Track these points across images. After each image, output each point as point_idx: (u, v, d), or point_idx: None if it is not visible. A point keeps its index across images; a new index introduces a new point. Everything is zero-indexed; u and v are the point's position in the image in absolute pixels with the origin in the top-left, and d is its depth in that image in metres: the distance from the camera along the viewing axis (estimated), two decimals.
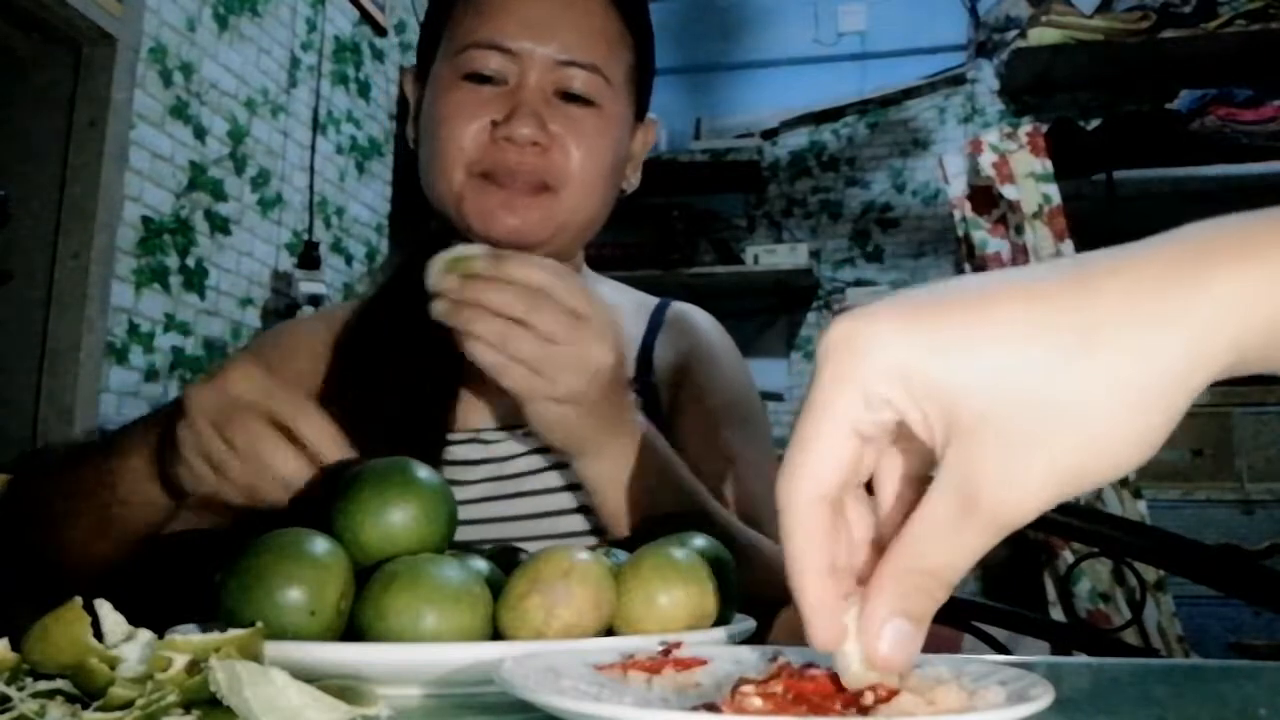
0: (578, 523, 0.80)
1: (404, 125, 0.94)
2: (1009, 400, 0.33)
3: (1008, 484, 0.34)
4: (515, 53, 0.82)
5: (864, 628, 0.36)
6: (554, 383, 0.66)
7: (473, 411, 0.86)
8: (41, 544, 0.75)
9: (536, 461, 0.82)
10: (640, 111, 0.93)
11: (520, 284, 0.65)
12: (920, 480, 0.38)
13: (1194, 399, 0.33)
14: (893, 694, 0.36)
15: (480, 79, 0.83)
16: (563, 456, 0.75)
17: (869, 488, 0.40)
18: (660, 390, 0.91)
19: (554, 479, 0.81)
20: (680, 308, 1.00)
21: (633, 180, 0.94)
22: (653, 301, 1.00)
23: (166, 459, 0.67)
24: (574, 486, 0.81)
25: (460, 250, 0.69)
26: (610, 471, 0.72)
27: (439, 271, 0.68)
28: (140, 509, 0.71)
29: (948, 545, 0.35)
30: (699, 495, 0.77)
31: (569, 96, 0.84)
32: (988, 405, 0.33)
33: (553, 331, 0.65)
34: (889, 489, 0.39)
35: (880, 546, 0.38)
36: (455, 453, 0.83)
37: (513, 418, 0.85)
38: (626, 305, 0.97)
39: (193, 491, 0.67)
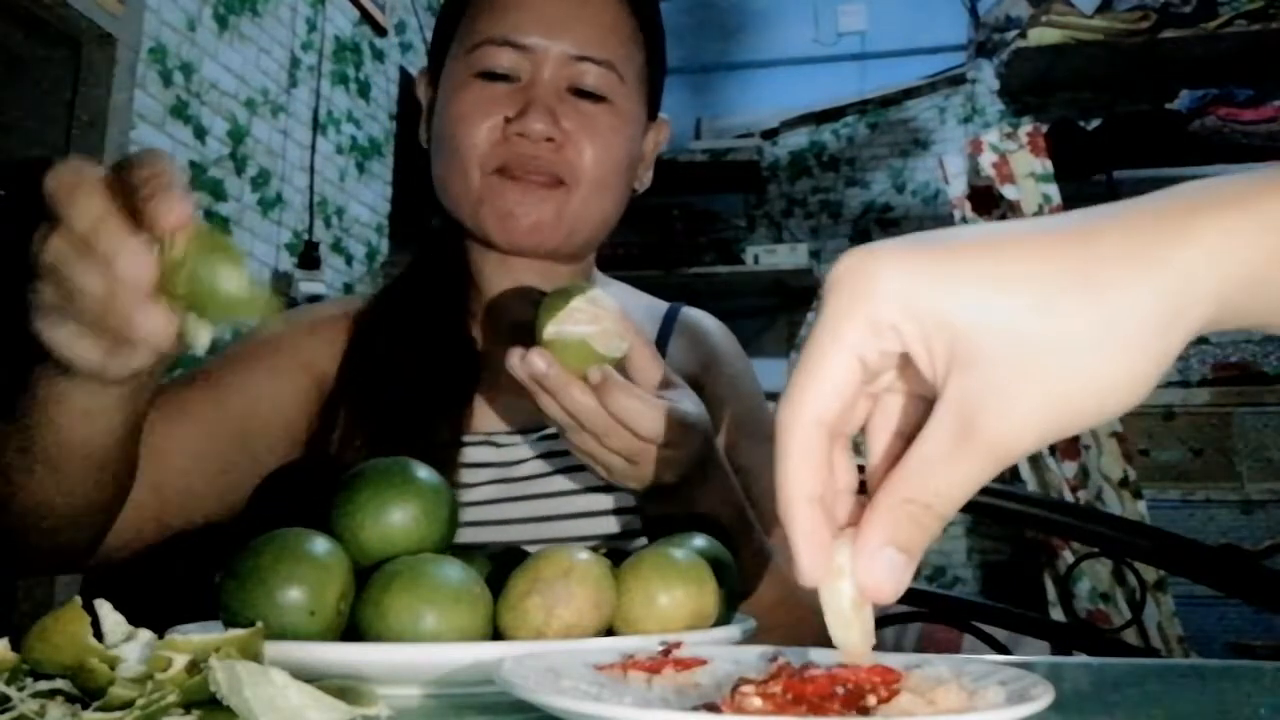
0: (588, 526, 0.80)
1: (404, 126, 0.94)
2: (1007, 334, 0.34)
3: (1003, 414, 0.35)
4: (529, 48, 0.82)
5: (857, 555, 0.36)
6: (641, 473, 0.65)
7: (486, 414, 0.86)
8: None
9: (547, 465, 0.82)
10: (652, 111, 0.93)
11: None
12: (911, 436, 0.39)
13: (1180, 346, 0.35)
14: (893, 694, 0.36)
15: (493, 76, 0.83)
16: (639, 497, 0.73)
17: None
18: None
19: (564, 483, 0.81)
20: (692, 314, 1.00)
21: (644, 179, 0.94)
22: (663, 306, 1.00)
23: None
24: (585, 491, 0.81)
25: (570, 328, 0.64)
26: (682, 508, 0.71)
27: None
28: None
29: (944, 474, 0.36)
30: (759, 533, 0.77)
31: (582, 93, 0.84)
32: (987, 338, 0.35)
33: (623, 450, 0.64)
34: (880, 441, 0.40)
35: (864, 500, 0.39)
36: (467, 455, 0.82)
37: (525, 421, 0.85)
38: (638, 310, 0.97)
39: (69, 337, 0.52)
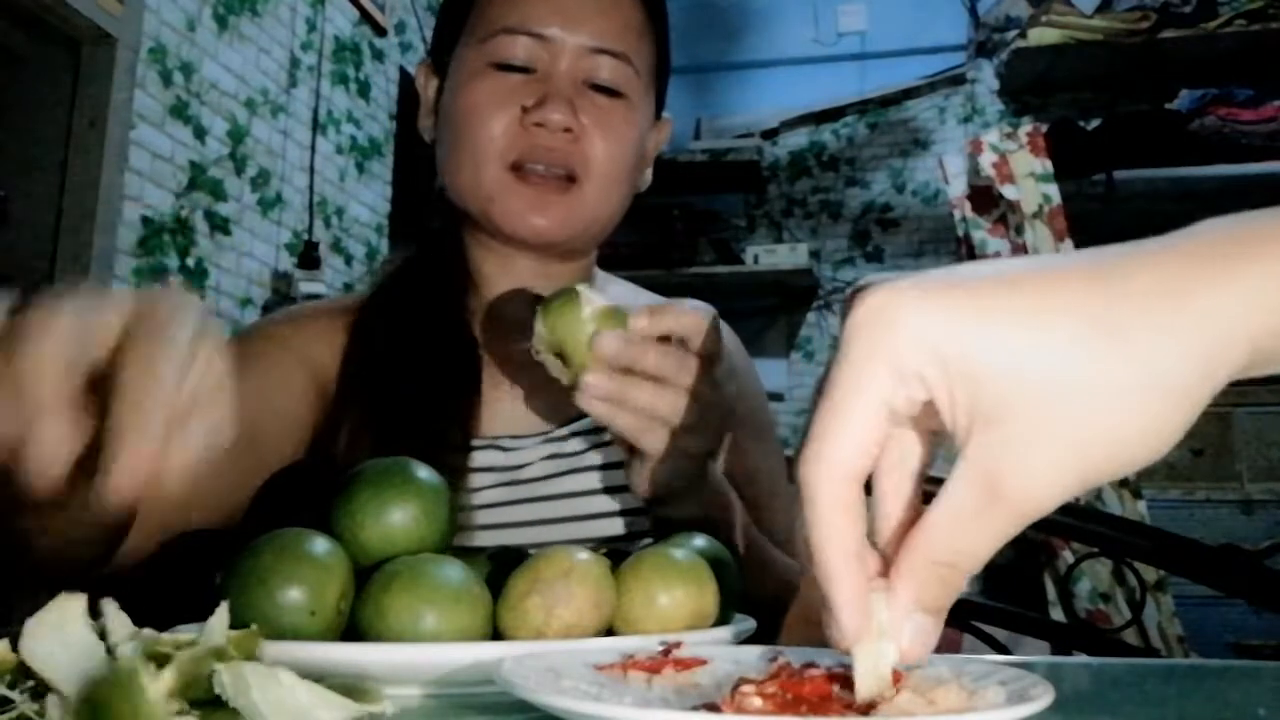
0: (596, 528, 0.80)
1: (404, 126, 0.93)
2: (1034, 386, 0.33)
3: (1030, 473, 0.34)
4: (547, 38, 0.82)
5: (891, 610, 0.36)
6: (696, 440, 0.64)
7: (493, 417, 0.85)
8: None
9: (553, 467, 0.82)
10: (658, 109, 0.93)
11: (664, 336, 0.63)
12: (920, 476, 0.38)
13: (1211, 395, 0.34)
14: (892, 694, 0.36)
15: (509, 67, 0.82)
16: (640, 498, 0.71)
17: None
18: None
19: (572, 485, 0.81)
20: (694, 306, 1.00)
21: (646, 178, 0.94)
22: (660, 301, 1.00)
23: None
24: (592, 493, 0.80)
25: (589, 308, 0.64)
26: (694, 514, 0.71)
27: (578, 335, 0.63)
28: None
29: (969, 535, 0.35)
30: (758, 536, 0.77)
31: (597, 87, 0.84)
32: (1014, 390, 0.33)
33: (696, 385, 0.63)
34: (890, 481, 0.39)
35: (871, 542, 0.38)
36: (474, 459, 0.82)
37: (530, 424, 0.85)
38: (635, 305, 0.97)
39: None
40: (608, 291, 0.96)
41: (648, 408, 0.62)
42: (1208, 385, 0.33)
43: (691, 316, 0.64)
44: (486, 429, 0.85)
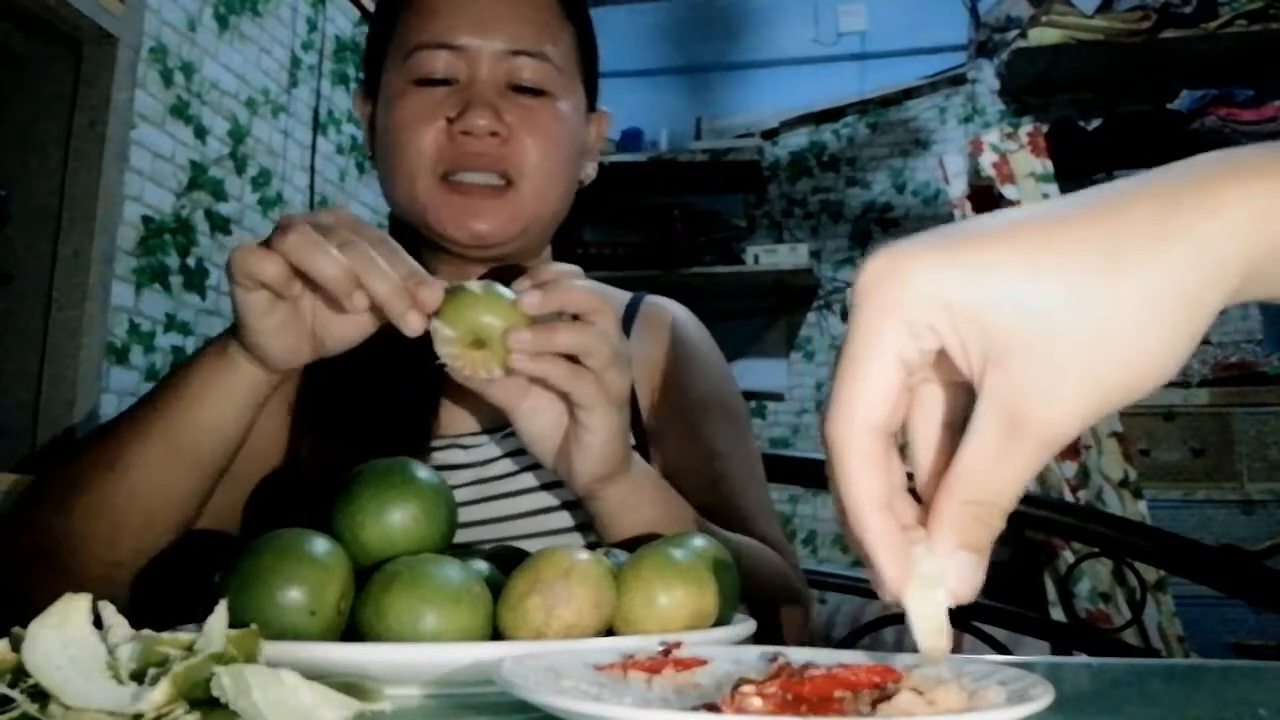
0: (560, 520, 0.80)
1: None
2: (1042, 321, 0.35)
3: (1050, 401, 0.35)
4: (463, 48, 0.83)
5: (933, 552, 0.37)
6: (615, 379, 0.65)
7: (451, 417, 0.86)
8: (57, 547, 0.71)
9: (514, 463, 0.83)
10: (590, 102, 0.93)
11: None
12: (953, 426, 0.39)
13: (1212, 317, 0.35)
14: (892, 694, 0.36)
15: (431, 82, 0.84)
16: (588, 494, 0.71)
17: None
18: (636, 387, 0.90)
19: (531, 479, 0.82)
20: (654, 301, 1.00)
21: (589, 171, 0.94)
22: (626, 297, 1.00)
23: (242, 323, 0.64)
24: (551, 485, 0.81)
25: (473, 294, 0.64)
26: (626, 498, 0.71)
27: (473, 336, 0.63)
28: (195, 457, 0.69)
29: (999, 471, 0.36)
30: (692, 516, 0.77)
31: (520, 89, 0.85)
32: (1023, 328, 0.35)
33: (606, 331, 0.65)
34: (923, 434, 0.40)
35: (916, 496, 0.39)
36: (437, 458, 0.83)
37: (489, 421, 0.85)
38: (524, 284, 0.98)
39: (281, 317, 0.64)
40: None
41: (578, 345, 0.63)
42: (1204, 308, 0.35)
43: (584, 296, 0.64)
44: (446, 428, 0.85)
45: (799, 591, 0.86)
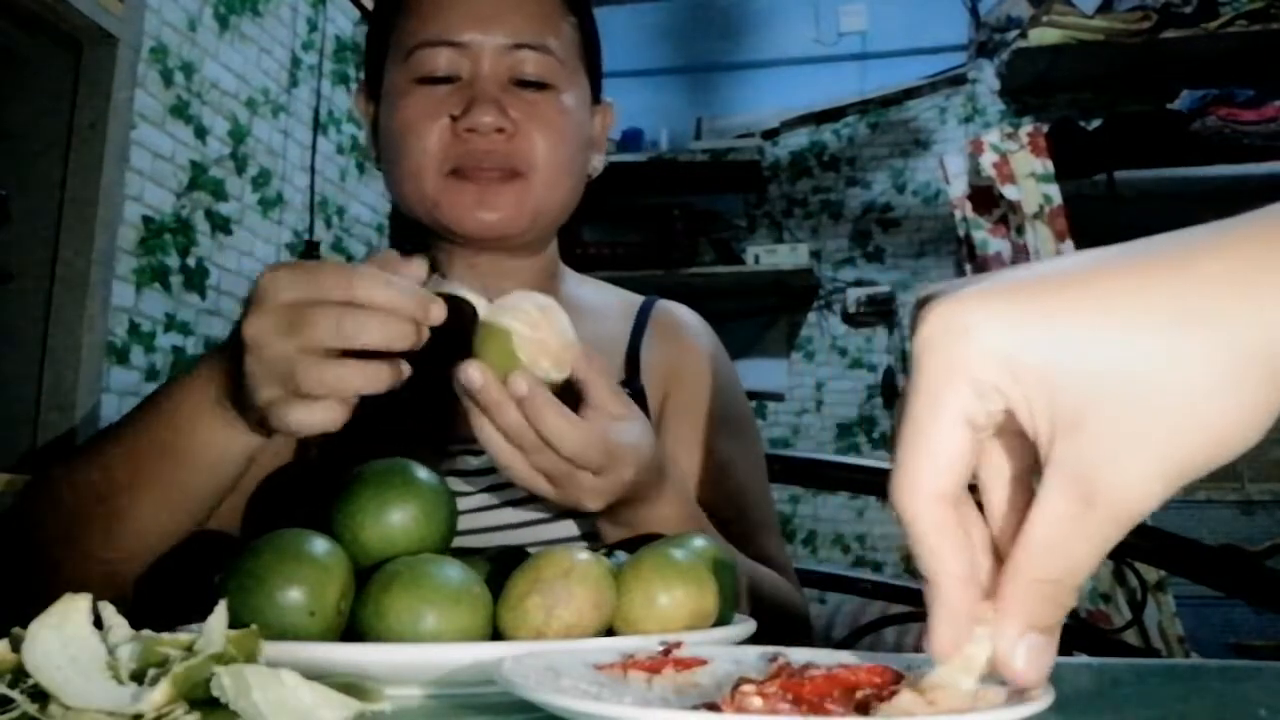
0: (572, 528, 0.80)
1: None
2: (1114, 387, 0.32)
3: (1122, 475, 0.32)
4: (465, 44, 0.83)
5: (997, 643, 0.35)
6: (578, 496, 0.64)
7: (463, 423, 0.85)
8: (52, 555, 0.70)
9: None
10: (595, 94, 0.93)
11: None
12: (1024, 479, 0.37)
13: None
14: (892, 694, 0.36)
15: (434, 80, 0.83)
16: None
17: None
18: (648, 392, 0.90)
19: (539, 510, 0.80)
20: (667, 306, 0.99)
21: (597, 164, 0.94)
22: (638, 300, 0.99)
23: (244, 384, 0.60)
24: (564, 516, 0.80)
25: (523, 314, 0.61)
26: (630, 529, 0.70)
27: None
28: (196, 480, 0.66)
29: (1071, 547, 0.34)
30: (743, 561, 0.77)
31: (524, 83, 0.84)
32: (1095, 389, 0.32)
33: (552, 471, 0.62)
34: (996, 491, 0.38)
35: (996, 553, 0.37)
36: (449, 465, 0.82)
37: None
38: (611, 306, 0.96)
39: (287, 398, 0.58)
40: (578, 292, 0.96)
41: (516, 469, 0.62)
42: None
43: (572, 440, 0.61)
44: (463, 431, 0.84)
45: (806, 618, 0.86)
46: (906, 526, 0.35)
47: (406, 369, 0.60)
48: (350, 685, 0.37)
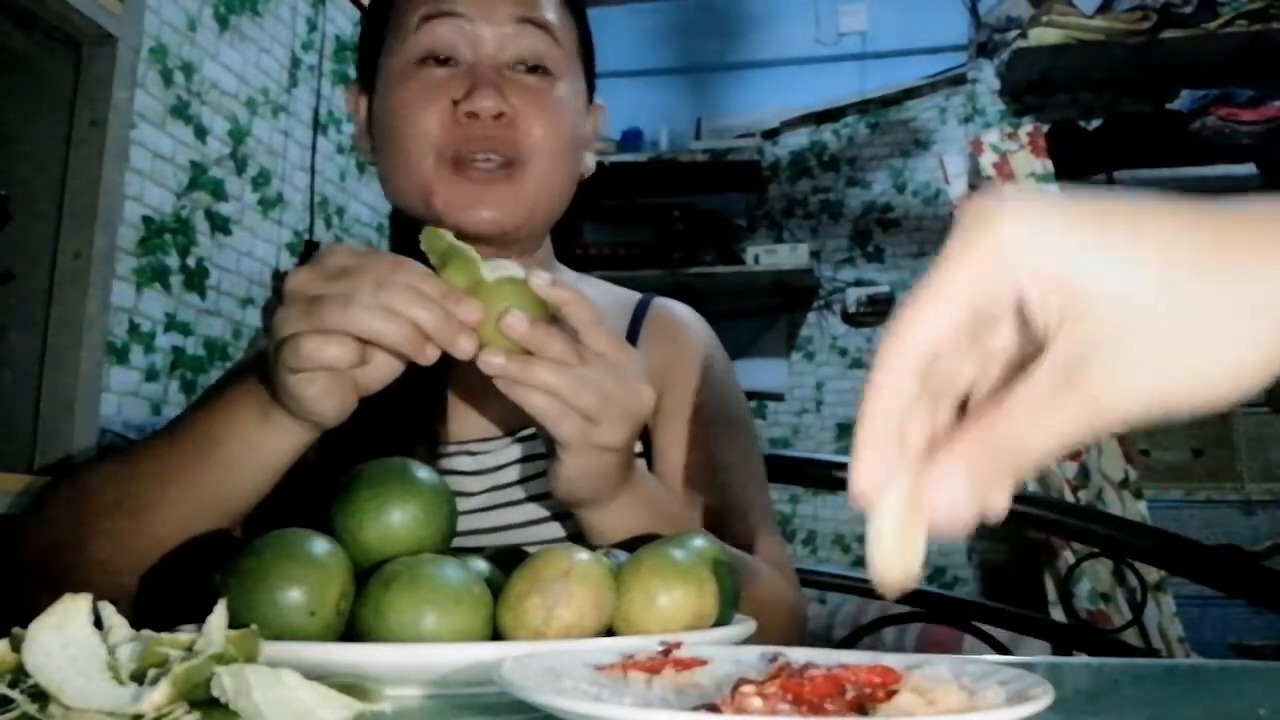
0: (573, 527, 0.79)
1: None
2: (1124, 307, 0.34)
3: (1109, 376, 0.34)
4: (468, 17, 0.82)
5: (930, 473, 0.36)
6: (606, 431, 0.63)
7: (460, 422, 0.84)
8: (62, 558, 0.69)
9: (525, 469, 0.81)
10: (589, 94, 0.93)
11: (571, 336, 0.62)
12: (1015, 374, 0.38)
13: None
14: (892, 694, 0.36)
15: (434, 62, 0.82)
16: (570, 507, 0.71)
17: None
18: None
19: (544, 485, 0.79)
20: (664, 304, 0.98)
21: (589, 164, 0.93)
22: (635, 297, 0.99)
23: (278, 382, 0.61)
24: (560, 517, 0.80)
25: (499, 271, 0.62)
26: (618, 519, 0.70)
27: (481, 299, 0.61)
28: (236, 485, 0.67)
29: (1036, 419, 0.35)
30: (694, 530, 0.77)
31: (524, 69, 0.84)
32: (1103, 304, 0.34)
33: (602, 380, 0.62)
34: (985, 382, 0.40)
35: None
36: (447, 465, 0.82)
37: (500, 426, 0.84)
38: (607, 303, 0.96)
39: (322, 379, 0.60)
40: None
41: (553, 387, 0.61)
42: None
43: (619, 347, 0.63)
44: (455, 434, 0.83)
45: (803, 615, 0.86)
46: (874, 375, 0.37)
47: (434, 354, 0.60)
48: (350, 685, 0.37)
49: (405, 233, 0.87)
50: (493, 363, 0.60)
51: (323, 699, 0.35)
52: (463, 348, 0.59)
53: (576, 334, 0.63)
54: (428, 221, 0.84)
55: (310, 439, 0.67)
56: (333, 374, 0.61)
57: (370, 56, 0.90)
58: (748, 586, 0.79)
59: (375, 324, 0.58)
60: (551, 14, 0.85)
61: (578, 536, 0.79)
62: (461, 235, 0.83)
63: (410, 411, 0.81)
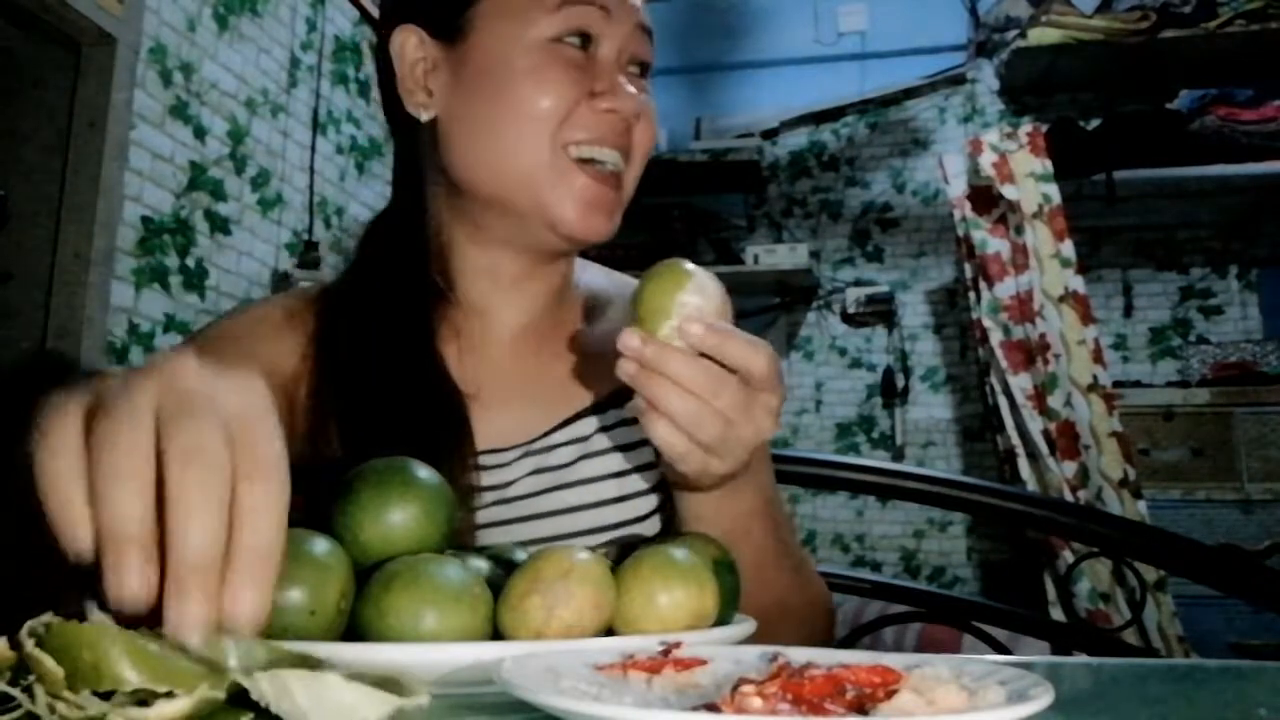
0: (591, 543, 0.78)
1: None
2: None
3: None
4: (609, 10, 0.77)
5: None
6: (727, 462, 0.62)
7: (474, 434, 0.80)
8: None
9: (538, 483, 0.78)
10: None
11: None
12: None
13: None
14: (892, 694, 0.36)
15: (573, 44, 0.76)
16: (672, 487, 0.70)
17: None
18: None
19: (556, 500, 0.77)
20: None
21: None
22: (635, 284, 0.97)
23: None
24: (579, 508, 0.77)
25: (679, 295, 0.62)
26: (720, 506, 0.69)
27: (641, 318, 0.62)
28: None
29: None
30: (786, 539, 0.75)
31: (637, 71, 0.80)
32: None
33: (731, 409, 0.60)
34: None
35: None
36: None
37: (508, 437, 0.80)
38: (612, 289, 0.92)
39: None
40: (590, 280, 0.92)
41: (688, 423, 0.60)
42: None
43: (755, 357, 0.61)
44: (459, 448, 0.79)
45: (834, 616, 0.85)
46: None
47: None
48: (387, 680, 0.37)
49: (405, 232, 0.82)
50: (623, 367, 0.60)
51: (364, 697, 0.35)
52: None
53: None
54: (520, 208, 0.77)
55: None
56: None
57: (456, 6, 0.79)
58: (808, 586, 0.78)
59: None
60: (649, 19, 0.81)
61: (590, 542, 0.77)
62: (562, 236, 0.77)
63: (437, 419, 0.77)
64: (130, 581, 0.37)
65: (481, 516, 0.77)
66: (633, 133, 0.78)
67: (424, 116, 0.79)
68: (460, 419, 0.78)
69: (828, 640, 0.81)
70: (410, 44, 0.79)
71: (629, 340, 0.60)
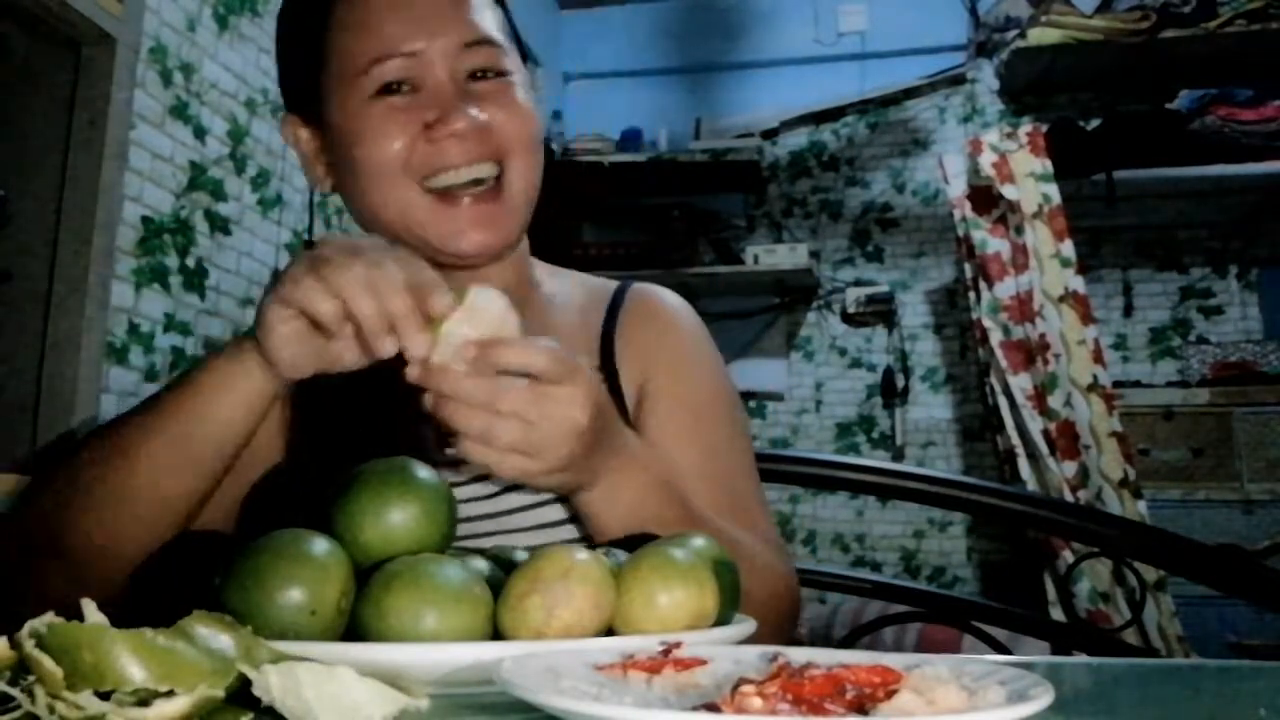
0: (568, 533, 0.79)
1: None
2: None
3: None
4: (417, 53, 0.82)
5: None
6: (545, 459, 0.64)
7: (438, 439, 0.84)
8: (56, 541, 0.71)
9: (494, 485, 0.80)
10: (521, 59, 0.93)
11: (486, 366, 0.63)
12: None
13: None
14: (892, 694, 0.36)
15: (391, 90, 0.82)
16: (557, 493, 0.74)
17: None
18: (623, 375, 0.89)
19: (516, 500, 0.80)
20: (643, 288, 0.97)
21: None
22: (612, 285, 0.97)
23: (260, 310, 0.66)
24: (560, 499, 0.79)
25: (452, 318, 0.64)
26: (605, 498, 0.71)
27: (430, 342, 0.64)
28: (200, 451, 0.70)
29: None
30: (690, 507, 0.76)
31: (478, 75, 0.84)
32: None
33: (523, 410, 0.63)
34: None
35: None
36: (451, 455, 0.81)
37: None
38: (581, 295, 0.95)
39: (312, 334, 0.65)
40: (548, 285, 0.95)
41: (483, 437, 0.63)
42: None
43: (532, 355, 0.63)
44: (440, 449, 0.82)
45: (796, 587, 0.85)
46: None
47: (391, 347, 0.63)
48: (389, 679, 0.37)
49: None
50: (413, 375, 0.63)
51: (373, 694, 0.35)
52: (384, 346, 0.62)
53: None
54: (416, 247, 0.82)
55: (269, 391, 0.70)
56: (305, 325, 0.65)
57: (304, 86, 0.89)
58: (741, 561, 0.79)
59: (358, 297, 0.61)
60: (490, 26, 0.85)
61: (571, 520, 0.78)
62: (459, 258, 0.83)
63: (410, 410, 0.80)
64: (382, 341, 0.62)
65: (473, 528, 0.79)
66: (496, 135, 0.82)
67: (324, 189, 0.91)
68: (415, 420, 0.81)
69: (787, 605, 0.82)
70: (300, 133, 0.90)
71: (410, 372, 0.64)
